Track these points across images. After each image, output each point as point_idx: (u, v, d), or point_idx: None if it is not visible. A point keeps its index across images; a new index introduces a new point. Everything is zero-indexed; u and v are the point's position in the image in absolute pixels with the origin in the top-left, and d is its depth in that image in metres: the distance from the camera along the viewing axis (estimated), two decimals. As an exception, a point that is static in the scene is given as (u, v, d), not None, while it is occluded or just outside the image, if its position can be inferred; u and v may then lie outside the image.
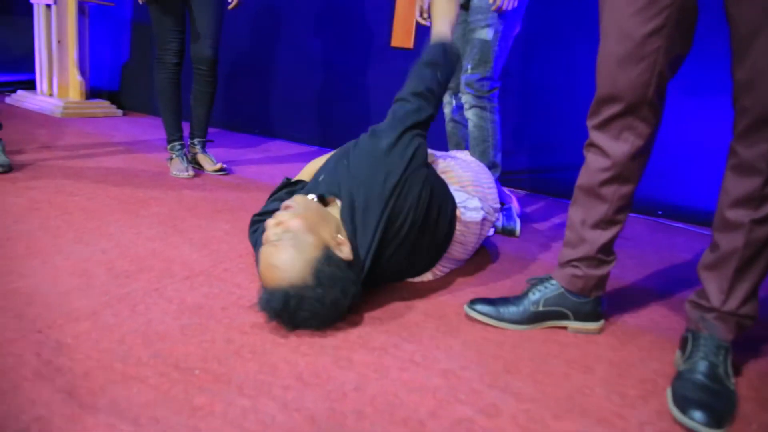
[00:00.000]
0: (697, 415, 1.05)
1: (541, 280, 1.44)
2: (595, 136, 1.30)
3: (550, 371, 1.21)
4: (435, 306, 1.48)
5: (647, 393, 1.17)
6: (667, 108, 1.29)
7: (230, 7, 2.59)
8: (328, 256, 1.24)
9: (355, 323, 1.32)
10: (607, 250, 1.37)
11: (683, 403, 1.09)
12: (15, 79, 4.66)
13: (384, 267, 1.41)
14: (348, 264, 1.27)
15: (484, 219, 1.65)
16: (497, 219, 2.14)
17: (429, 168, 1.49)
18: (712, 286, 1.20)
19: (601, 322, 1.43)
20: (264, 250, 1.25)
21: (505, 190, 2.41)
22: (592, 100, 1.29)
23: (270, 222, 1.28)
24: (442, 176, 1.64)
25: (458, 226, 1.58)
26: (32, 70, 4.37)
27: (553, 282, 1.42)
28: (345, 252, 1.28)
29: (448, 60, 1.58)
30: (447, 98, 2.27)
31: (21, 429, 0.86)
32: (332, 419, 0.97)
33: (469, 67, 2.01)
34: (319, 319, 1.24)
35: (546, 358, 1.27)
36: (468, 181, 1.69)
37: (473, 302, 1.43)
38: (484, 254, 1.94)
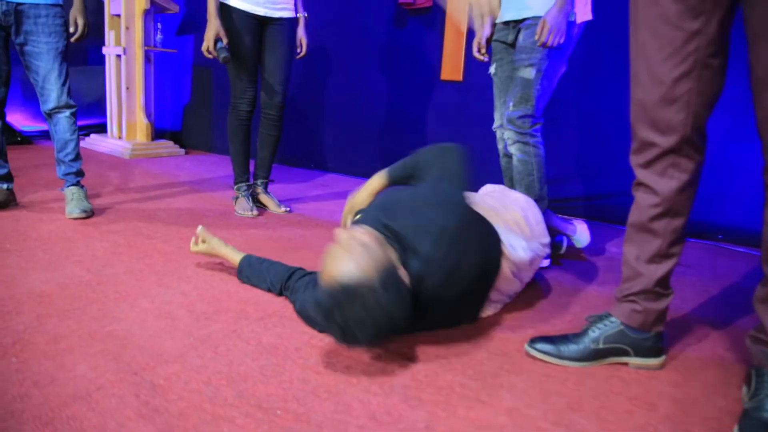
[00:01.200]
0: None
1: (600, 318, 1.47)
2: (642, 175, 1.35)
3: (613, 408, 1.24)
4: (497, 344, 1.52)
5: (712, 431, 1.18)
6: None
7: (299, 56, 2.75)
8: (394, 269, 1.30)
9: (422, 362, 1.39)
10: (664, 283, 1.39)
11: None
12: (88, 123, 5.00)
13: (433, 307, 1.44)
14: (406, 286, 1.32)
15: (533, 258, 1.70)
16: (547, 254, 2.18)
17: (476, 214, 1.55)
18: None
19: (663, 358, 1.44)
20: (333, 250, 1.30)
21: (568, 219, 2.44)
22: (633, 143, 1.34)
23: (341, 231, 1.35)
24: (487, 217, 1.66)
25: (507, 264, 1.61)
26: (103, 115, 4.70)
27: (613, 319, 1.45)
28: (404, 276, 1.34)
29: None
30: (499, 134, 2.34)
31: (131, 467, 0.97)
32: (406, 458, 1.04)
33: (511, 104, 2.08)
34: (366, 327, 1.23)
35: (608, 396, 1.29)
36: (512, 221, 1.72)
37: (533, 341, 1.47)
38: (542, 288, 1.97)
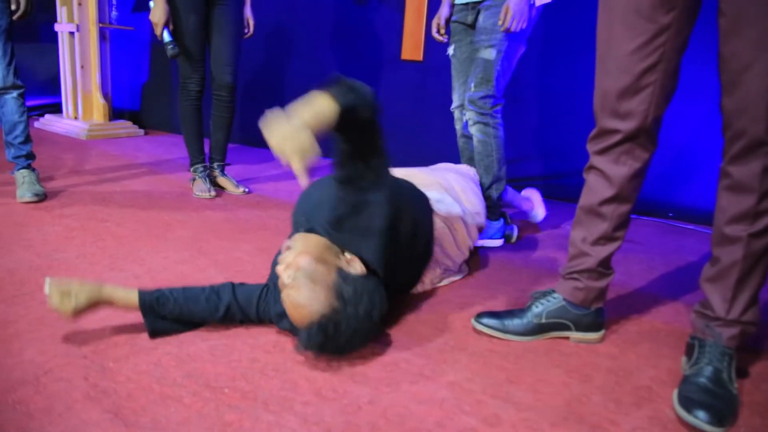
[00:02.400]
0: (701, 414, 1.14)
1: (544, 294, 1.54)
2: (596, 160, 1.40)
3: (551, 381, 1.31)
4: (444, 320, 1.58)
5: (641, 399, 1.25)
6: (677, 111, 1.38)
7: (246, 36, 2.74)
8: (344, 276, 1.31)
9: (370, 340, 1.43)
10: (606, 264, 1.46)
11: (688, 403, 1.18)
12: (42, 102, 4.86)
13: (392, 273, 1.45)
14: (364, 277, 1.35)
15: (464, 214, 1.82)
16: (501, 234, 2.26)
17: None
18: (716, 297, 1.29)
19: (602, 332, 1.52)
20: (285, 295, 1.29)
21: (526, 192, 2.50)
22: (593, 129, 1.39)
23: (280, 268, 1.31)
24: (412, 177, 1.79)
25: (439, 222, 1.71)
26: (58, 94, 4.57)
27: (556, 295, 1.51)
28: (357, 267, 1.35)
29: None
30: (457, 114, 2.37)
31: (76, 447, 0.99)
32: (347, 431, 1.08)
33: (473, 85, 2.11)
34: (360, 336, 1.29)
35: (547, 368, 1.36)
36: (445, 185, 1.87)
37: (479, 316, 1.53)
38: (492, 266, 2.03)
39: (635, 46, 1.26)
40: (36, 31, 4.87)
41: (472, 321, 1.53)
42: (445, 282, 1.83)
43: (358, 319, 1.26)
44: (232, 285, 1.47)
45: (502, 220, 2.27)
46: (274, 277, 1.44)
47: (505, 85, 2.14)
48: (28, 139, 2.49)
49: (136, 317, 1.40)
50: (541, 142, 3.16)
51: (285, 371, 1.27)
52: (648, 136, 1.34)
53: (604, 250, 1.44)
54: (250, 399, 1.16)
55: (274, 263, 1.51)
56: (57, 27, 4.26)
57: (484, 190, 2.18)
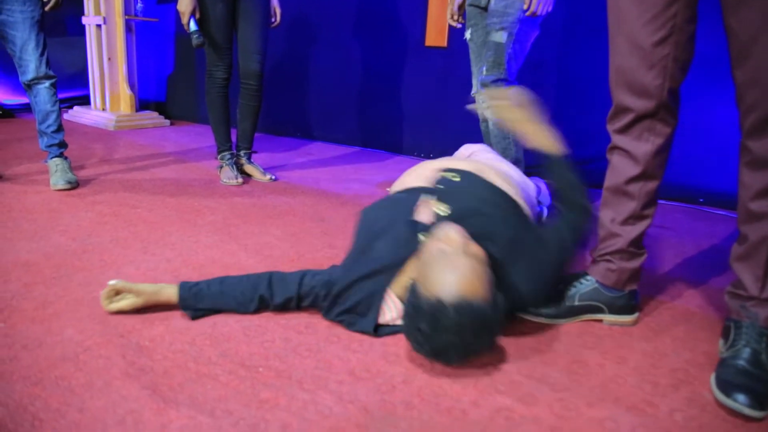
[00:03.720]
0: (741, 397, 1.11)
1: (576, 276, 1.52)
2: (618, 139, 1.39)
3: (585, 362, 1.29)
4: (474, 303, 1.57)
5: (678, 382, 1.23)
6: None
7: (273, 25, 2.74)
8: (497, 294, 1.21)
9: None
10: (637, 244, 1.44)
11: (726, 387, 1.15)
12: (71, 95, 4.94)
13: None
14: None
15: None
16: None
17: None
18: (747, 276, 1.26)
19: (636, 315, 1.49)
20: (451, 261, 1.17)
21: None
22: (611, 108, 1.38)
23: (453, 238, 1.21)
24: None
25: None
26: (86, 86, 4.65)
27: (588, 278, 1.49)
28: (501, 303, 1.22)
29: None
30: (480, 99, 2.35)
31: (118, 420, 1.01)
32: (383, 409, 1.08)
33: (485, 68, 2.09)
34: (475, 345, 1.17)
35: (581, 350, 1.35)
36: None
37: None
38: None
39: (645, 20, 1.24)
40: (64, 24, 4.94)
41: None
42: None
43: (490, 327, 1.17)
44: (270, 275, 1.44)
45: None
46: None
47: (517, 68, 2.11)
48: (60, 128, 2.53)
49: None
50: (564, 127, 3.11)
51: (318, 351, 1.27)
52: (667, 111, 1.32)
53: (634, 230, 1.42)
54: (285, 377, 1.17)
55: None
56: (84, 20, 4.33)
57: None
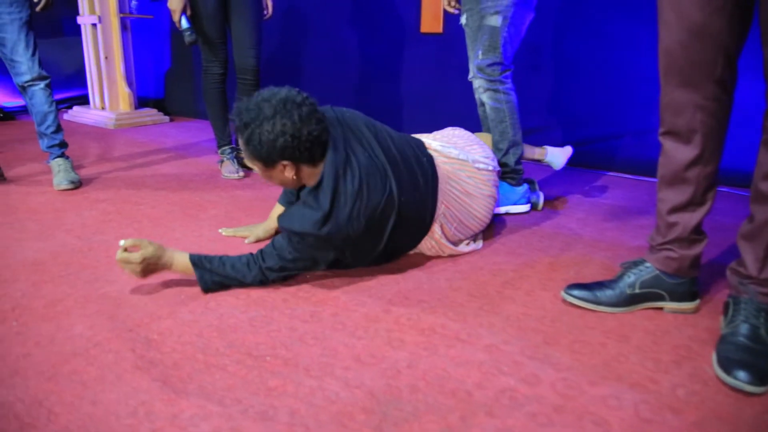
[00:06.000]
0: (741, 374, 1.12)
1: (635, 263, 1.48)
2: (669, 122, 1.33)
3: (587, 341, 1.31)
4: (477, 286, 1.59)
5: (681, 358, 1.25)
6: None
7: (265, 18, 2.74)
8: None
9: (405, 306, 1.45)
10: (698, 230, 1.39)
11: (727, 363, 1.16)
12: (69, 95, 4.95)
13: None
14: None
15: (475, 162, 1.80)
16: (527, 199, 2.23)
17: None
18: (749, 255, 1.27)
19: (697, 302, 1.45)
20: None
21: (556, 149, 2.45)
22: (662, 91, 1.32)
23: None
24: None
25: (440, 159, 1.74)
26: (84, 86, 4.65)
27: (648, 264, 1.45)
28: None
29: None
30: (476, 84, 2.35)
31: (130, 412, 1.03)
32: (389, 393, 1.10)
33: (480, 52, 2.09)
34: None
35: (583, 330, 1.36)
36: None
37: (570, 288, 1.49)
38: (522, 232, 2.03)
39: None
40: (60, 25, 4.94)
41: (562, 293, 1.49)
42: (469, 244, 1.85)
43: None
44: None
45: (526, 186, 2.25)
46: None
47: (513, 51, 2.11)
48: (59, 129, 2.55)
49: (176, 292, 1.44)
50: (562, 110, 3.11)
51: (323, 339, 1.29)
52: (720, 86, 1.25)
53: (693, 217, 1.37)
54: (292, 365, 1.19)
55: None
56: (80, 20, 4.32)
57: (501, 155, 2.17)
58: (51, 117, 2.50)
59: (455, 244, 1.81)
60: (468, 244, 1.85)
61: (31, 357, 1.21)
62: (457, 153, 1.79)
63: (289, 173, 1.51)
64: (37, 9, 2.40)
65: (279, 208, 1.92)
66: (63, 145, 2.57)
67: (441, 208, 1.72)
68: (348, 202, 1.45)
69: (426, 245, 1.77)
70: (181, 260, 1.50)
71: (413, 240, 1.74)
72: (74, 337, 1.28)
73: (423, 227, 1.72)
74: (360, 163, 1.50)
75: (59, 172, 2.51)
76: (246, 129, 1.44)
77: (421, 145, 1.76)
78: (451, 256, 1.81)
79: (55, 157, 2.56)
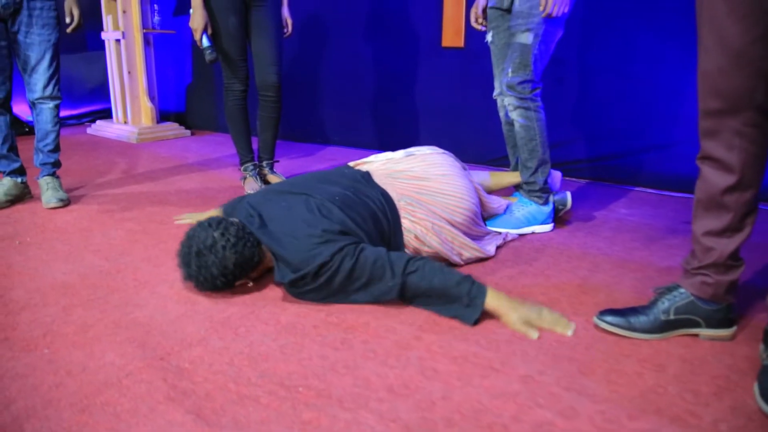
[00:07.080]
0: None
1: (669, 289, 1.45)
2: (708, 147, 1.31)
3: (623, 371, 1.28)
4: (507, 312, 1.56)
5: (720, 389, 1.22)
6: None
7: (285, 36, 2.76)
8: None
9: (435, 333, 1.43)
10: (734, 256, 1.36)
11: None
12: (93, 109, 5.02)
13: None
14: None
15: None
16: (551, 219, 2.23)
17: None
18: None
19: (734, 329, 1.42)
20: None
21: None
22: (700, 115, 1.30)
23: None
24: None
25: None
26: (107, 100, 4.71)
27: (682, 290, 1.42)
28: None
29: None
30: (500, 102, 2.34)
31: (166, 448, 1.02)
32: (425, 427, 1.09)
33: (510, 70, 2.08)
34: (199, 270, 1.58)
35: (618, 358, 1.33)
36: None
37: (602, 314, 1.46)
38: (549, 252, 2.00)
39: (737, 18, 1.15)
40: (84, 40, 5.01)
41: (595, 319, 1.47)
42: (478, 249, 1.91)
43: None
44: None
45: (552, 205, 2.23)
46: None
47: (542, 69, 2.10)
48: (57, 148, 2.59)
49: (205, 318, 1.44)
50: (586, 124, 3.08)
51: (355, 368, 1.28)
52: (761, 113, 1.23)
53: (731, 243, 1.33)
54: (325, 397, 1.18)
55: None
56: (104, 35, 4.38)
57: (530, 174, 2.15)
58: (52, 136, 2.54)
59: (473, 238, 1.93)
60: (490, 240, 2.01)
61: (64, 387, 1.21)
62: (391, 156, 2.01)
63: (257, 273, 1.69)
64: (68, 30, 2.45)
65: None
66: (56, 164, 2.61)
67: (393, 194, 1.81)
68: (292, 243, 1.56)
69: (434, 240, 1.81)
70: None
71: (395, 219, 1.79)
72: (106, 365, 1.28)
73: (384, 211, 1.77)
74: (279, 215, 1.66)
75: (47, 189, 2.54)
76: (201, 285, 1.62)
77: (352, 169, 1.96)
78: (480, 260, 1.90)
79: (45, 175, 2.59)
